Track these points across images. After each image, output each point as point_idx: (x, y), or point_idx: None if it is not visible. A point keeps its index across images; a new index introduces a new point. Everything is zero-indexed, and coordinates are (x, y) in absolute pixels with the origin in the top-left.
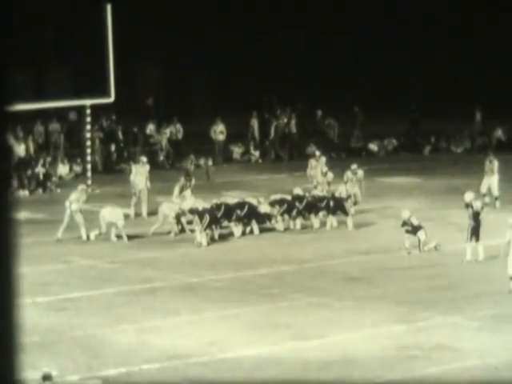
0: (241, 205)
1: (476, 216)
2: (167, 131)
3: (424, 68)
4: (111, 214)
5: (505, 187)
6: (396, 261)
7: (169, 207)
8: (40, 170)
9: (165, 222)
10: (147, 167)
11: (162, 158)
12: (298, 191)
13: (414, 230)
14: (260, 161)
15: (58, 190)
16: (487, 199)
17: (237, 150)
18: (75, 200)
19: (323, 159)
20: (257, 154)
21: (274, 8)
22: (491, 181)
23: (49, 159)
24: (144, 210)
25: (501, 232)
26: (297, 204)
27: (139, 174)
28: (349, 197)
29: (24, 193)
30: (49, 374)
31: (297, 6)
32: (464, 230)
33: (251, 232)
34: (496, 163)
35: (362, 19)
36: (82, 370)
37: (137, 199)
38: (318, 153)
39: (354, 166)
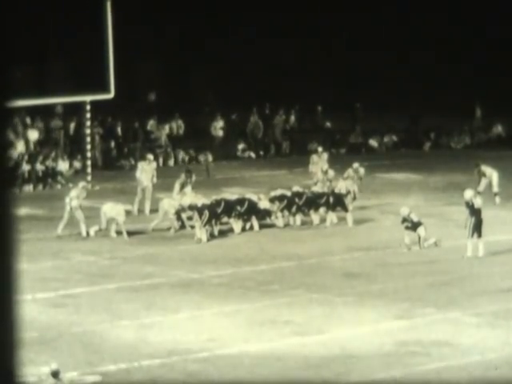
0: (241, 201)
1: (477, 212)
2: (166, 127)
3: (424, 64)
4: (112, 209)
5: (504, 183)
6: (396, 257)
7: (169, 203)
8: (39, 166)
9: (165, 219)
10: (153, 165)
11: (164, 153)
12: (296, 189)
13: (414, 226)
14: (255, 157)
15: (58, 186)
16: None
17: (237, 147)
18: (75, 196)
19: (325, 156)
20: (257, 150)
21: (273, 7)
22: (487, 180)
23: (53, 155)
24: (147, 207)
25: (501, 228)
26: (296, 200)
27: (145, 171)
28: (348, 193)
29: (25, 189)
30: (57, 370)
31: (296, 6)
32: (464, 226)
33: (251, 228)
34: (482, 168)
35: (362, 17)
36: (82, 365)
37: (141, 196)
38: (320, 149)
39: (355, 165)
